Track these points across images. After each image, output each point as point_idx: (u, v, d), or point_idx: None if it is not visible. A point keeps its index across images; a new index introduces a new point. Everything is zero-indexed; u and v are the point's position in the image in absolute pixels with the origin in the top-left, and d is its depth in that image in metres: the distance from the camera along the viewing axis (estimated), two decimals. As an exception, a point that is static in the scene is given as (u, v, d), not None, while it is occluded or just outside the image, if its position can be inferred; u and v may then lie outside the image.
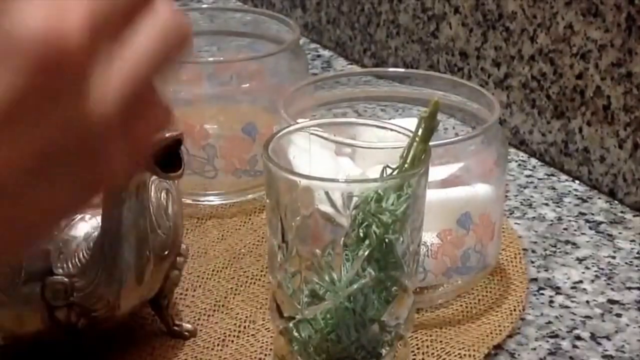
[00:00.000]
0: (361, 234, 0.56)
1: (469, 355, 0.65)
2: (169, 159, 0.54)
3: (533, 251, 0.78)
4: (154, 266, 0.59)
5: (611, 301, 0.72)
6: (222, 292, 0.71)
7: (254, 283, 0.73)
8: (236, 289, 0.72)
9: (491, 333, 0.67)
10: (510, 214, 0.83)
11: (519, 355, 0.66)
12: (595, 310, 0.71)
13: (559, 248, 0.78)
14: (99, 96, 0.32)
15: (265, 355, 0.65)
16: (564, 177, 0.89)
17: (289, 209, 0.57)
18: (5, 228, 0.33)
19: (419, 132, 0.57)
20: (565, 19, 0.86)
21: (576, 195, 0.86)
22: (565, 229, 0.81)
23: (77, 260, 0.58)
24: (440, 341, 0.66)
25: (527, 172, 0.90)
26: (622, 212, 0.83)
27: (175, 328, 0.66)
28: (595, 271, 0.75)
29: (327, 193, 0.56)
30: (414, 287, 0.60)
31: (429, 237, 0.66)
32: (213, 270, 0.74)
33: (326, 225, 0.57)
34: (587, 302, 0.72)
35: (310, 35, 1.17)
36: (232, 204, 0.82)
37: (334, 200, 0.56)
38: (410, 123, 0.59)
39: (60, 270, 0.58)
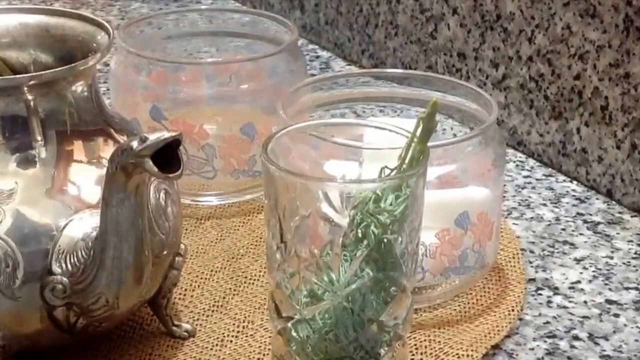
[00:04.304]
0: (359, 234, 0.57)
1: (467, 356, 0.65)
2: (168, 160, 0.54)
3: (531, 251, 0.78)
4: (152, 266, 0.59)
5: (609, 301, 0.72)
6: (220, 293, 0.71)
7: (253, 283, 0.73)
8: (235, 289, 0.72)
9: (489, 333, 0.67)
10: (508, 214, 0.83)
11: (516, 355, 0.66)
12: (593, 310, 0.71)
13: (557, 248, 0.79)
14: None
15: (264, 355, 0.65)
16: (561, 177, 0.89)
17: (287, 209, 0.57)
18: None
19: (418, 133, 0.57)
20: (563, 20, 0.86)
21: (574, 195, 0.86)
22: (563, 229, 0.81)
23: (76, 260, 0.58)
24: (439, 341, 0.67)
25: (525, 173, 0.90)
26: (619, 212, 0.83)
27: (174, 328, 0.66)
28: (593, 271, 0.76)
29: (325, 193, 0.56)
30: (412, 287, 0.60)
31: (427, 237, 0.66)
32: (212, 271, 0.74)
33: (325, 226, 0.57)
34: (585, 302, 0.72)
35: (308, 36, 1.17)
36: (231, 205, 0.83)
37: (333, 200, 0.56)
38: (409, 124, 0.59)
39: (59, 270, 0.58)
